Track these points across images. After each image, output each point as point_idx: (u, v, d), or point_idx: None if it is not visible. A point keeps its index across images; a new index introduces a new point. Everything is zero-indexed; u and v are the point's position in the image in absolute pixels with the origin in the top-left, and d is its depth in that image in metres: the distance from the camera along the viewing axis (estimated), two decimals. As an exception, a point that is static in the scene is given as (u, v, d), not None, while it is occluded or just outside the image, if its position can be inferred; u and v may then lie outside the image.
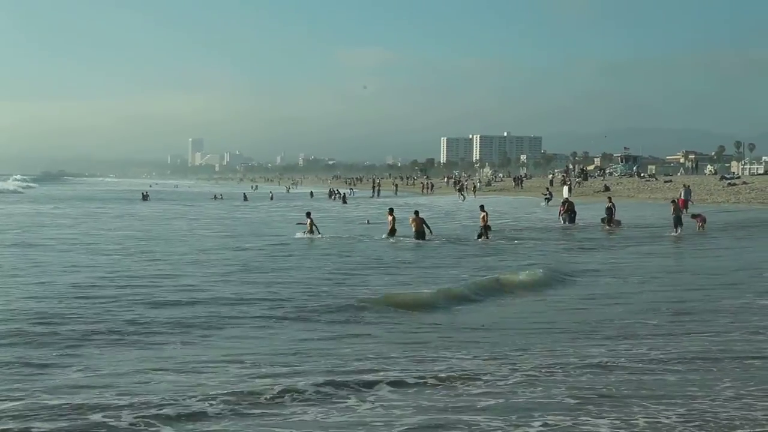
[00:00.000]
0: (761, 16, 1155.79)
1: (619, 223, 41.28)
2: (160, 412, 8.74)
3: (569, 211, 44.22)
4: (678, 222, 36.55)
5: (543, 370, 10.70)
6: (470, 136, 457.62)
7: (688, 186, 60.63)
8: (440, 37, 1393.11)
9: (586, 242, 34.33)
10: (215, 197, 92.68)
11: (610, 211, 41.58)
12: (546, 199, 63.63)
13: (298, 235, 35.01)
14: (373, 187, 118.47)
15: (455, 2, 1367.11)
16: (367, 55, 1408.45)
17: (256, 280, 21.34)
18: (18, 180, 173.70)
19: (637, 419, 8.40)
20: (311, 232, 34.98)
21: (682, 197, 50.35)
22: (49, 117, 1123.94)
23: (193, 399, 9.22)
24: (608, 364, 11.16)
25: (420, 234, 33.53)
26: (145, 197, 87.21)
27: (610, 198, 44.02)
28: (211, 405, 9.03)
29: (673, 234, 35.87)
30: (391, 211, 36.73)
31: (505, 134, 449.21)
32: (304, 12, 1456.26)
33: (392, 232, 34.76)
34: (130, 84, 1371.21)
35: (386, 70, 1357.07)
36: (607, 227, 40.42)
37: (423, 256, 28.07)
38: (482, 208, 36.31)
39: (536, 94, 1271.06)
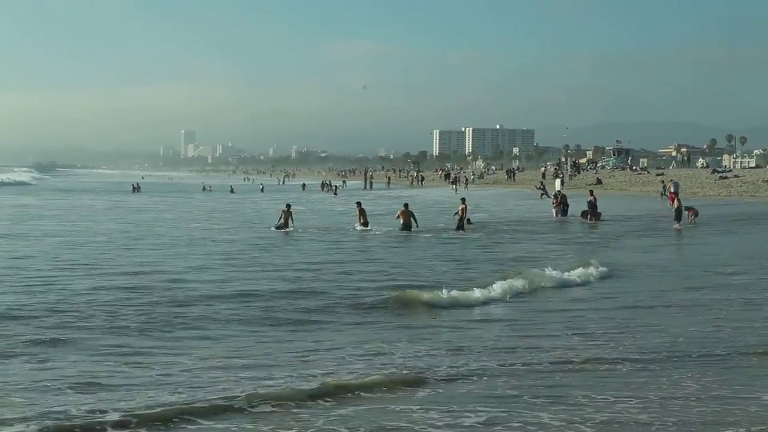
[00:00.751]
0: (751, 11, 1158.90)
1: (599, 215, 41.41)
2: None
3: (561, 203, 44.41)
4: (679, 215, 37.03)
5: None
6: (462, 129, 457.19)
7: (676, 180, 61.23)
8: (432, 30, 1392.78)
9: (581, 235, 34.82)
10: (204, 189, 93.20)
11: (592, 204, 41.68)
12: (541, 194, 63.48)
13: (273, 228, 35.08)
14: (365, 179, 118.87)
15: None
16: (358, 47, 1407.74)
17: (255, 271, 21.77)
18: (25, 171, 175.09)
19: None
20: (286, 225, 34.91)
21: (672, 191, 51.20)
22: (40, 108, 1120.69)
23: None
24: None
25: (407, 226, 34.32)
26: (135, 189, 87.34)
27: (591, 192, 44.12)
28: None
29: (675, 227, 36.33)
30: (359, 204, 37.54)
31: (498, 127, 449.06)
32: (295, 3, 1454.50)
33: (365, 224, 35.53)
34: (121, 75, 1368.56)
35: (378, 63, 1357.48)
36: (589, 221, 40.62)
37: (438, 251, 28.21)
38: (463, 200, 37.00)
39: (528, 87, 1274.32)
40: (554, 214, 44.04)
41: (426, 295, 16.70)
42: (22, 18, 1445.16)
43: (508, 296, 17.52)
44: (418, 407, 9.25)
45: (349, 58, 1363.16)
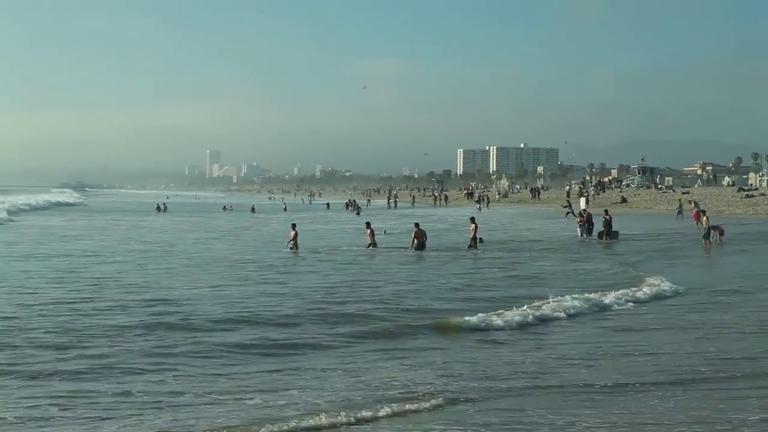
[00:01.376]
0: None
1: (616, 235, 41.32)
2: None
3: (587, 222, 44.12)
4: (709, 234, 37.29)
5: None
6: (487, 148, 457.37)
7: (696, 201, 62.04)
8: (456, 49, 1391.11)
9: (612, 254, 34.92)
10: (224, 209, 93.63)
11: (607, 223, 41.50)
12: (567, 213, 63.44)
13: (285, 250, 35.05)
14: (389, 198, 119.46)
15: (471, 14, 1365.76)
16: (383, 66, 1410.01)
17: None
18: (65, 192, 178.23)
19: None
20: (295, 245, 34.91)
21: (696, 210, 52.57)
22: (67, 128, 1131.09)
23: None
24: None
25: (421, 245, 34.68)
26: (161, 209, 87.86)
27: (606, 211, 44.03)
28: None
29: (704, 244, 36.69)
30: (368, 224, 37.94)
31: (522, 146, 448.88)
32: (321, 24, 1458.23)
33: (373, 244, 35.86)
34: (149, 95, 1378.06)
35: (403, 82, 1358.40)
36: (605, 240, 40.44)
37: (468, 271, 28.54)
38: (472, 220, 37.56)
39: (552, 105, 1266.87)
40: (579, 233, 43.84)
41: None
42: (49, 37, 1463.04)
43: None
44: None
45: (373, 78, 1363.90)
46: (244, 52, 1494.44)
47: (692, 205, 59.25)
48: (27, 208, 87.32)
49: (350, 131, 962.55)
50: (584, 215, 45.71)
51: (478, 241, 36.16)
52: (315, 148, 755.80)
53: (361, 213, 79.68)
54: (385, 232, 46.21)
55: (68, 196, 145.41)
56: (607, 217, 42.29)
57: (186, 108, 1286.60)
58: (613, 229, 41.55)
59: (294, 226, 36.47)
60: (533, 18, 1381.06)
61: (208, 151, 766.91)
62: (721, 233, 38.70)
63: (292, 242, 35.09)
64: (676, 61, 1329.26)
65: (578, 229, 44.50)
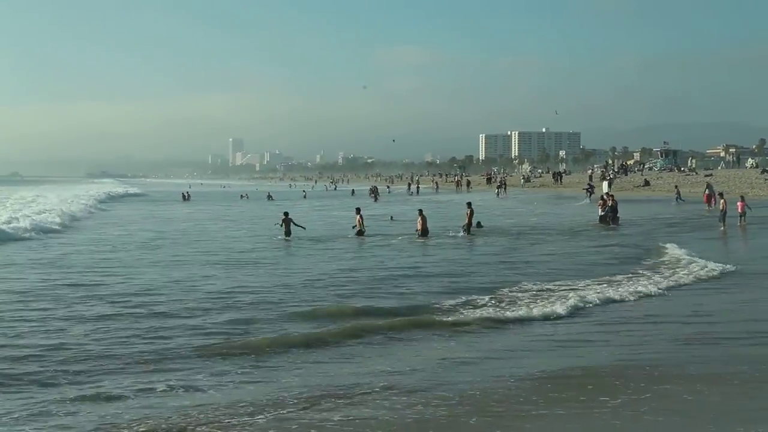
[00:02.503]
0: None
1: (618, 220, 40.62)
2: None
3: (613, 209, 41.40)
4: (724, 217, 36.76)
5: None
6: (509, 133, 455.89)
7: (710, 183, 61.50)
8: (478, 35, 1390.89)
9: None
10: (241, 197, 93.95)
11: (613, 209, 40.92)
12: (588, 194, 62.66)
13: (280, 237, 34.79)
14: (409, 184, 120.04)
15: (492, 1, 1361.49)
16: (405, 53, 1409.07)
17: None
18: (105, 181, 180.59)
19: None
20: (287, 233, 34.67)
21: (707, 193, 53.17)
22: (91, 120, 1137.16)
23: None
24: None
25: (424, 232, 34.77)
26: (185, 198, 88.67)
27: (612, 197, 43.67)
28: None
29: (721, 228, 36.14)
30: (358, 210, 37.59)
31: (544, 130, 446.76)
32: (344, 12, 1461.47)
33: (360, 232, 35.61)
34: (173, 86, 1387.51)
35: (425, 69, 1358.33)
36: (610, 225, 39.62)
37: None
38: (468, 205, 37.49)
39: (575, 90, 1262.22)
40: (600, 213, 41.82)
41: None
42: (75, 29, 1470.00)
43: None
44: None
45: (397, 65, 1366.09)
46: (268, 42, 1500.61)
47: (705, 188, 58.01)
48: (105, 198, 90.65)
49: (373, 118, 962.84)
50: (605, 199, 43.50)
51: (475, 225, 36.54)
52: (337, 135, 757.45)
53: (378, 199, 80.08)
54: (391, 218, 46.19)
55: (115, 185, 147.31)
56: (613, 203, 41.67)
57: (209, 98, 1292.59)
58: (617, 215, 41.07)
59: (286, 214, 35.80)
60: (555, 4, 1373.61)
61: (230, 139, 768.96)
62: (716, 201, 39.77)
63: (284, 230, 34.88)
64: (699, 44, 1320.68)
65: (600, 212, 42.40)
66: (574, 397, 10.12)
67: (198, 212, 61.12)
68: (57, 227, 40.62)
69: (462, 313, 16.23)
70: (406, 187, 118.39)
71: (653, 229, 37.31)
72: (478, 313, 16.24)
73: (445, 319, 15.58)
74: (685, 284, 20.22)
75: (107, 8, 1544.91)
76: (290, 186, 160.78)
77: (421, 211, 36.44)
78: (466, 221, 36.25)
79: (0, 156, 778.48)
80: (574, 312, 16.53)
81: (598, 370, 11.40)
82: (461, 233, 35.51)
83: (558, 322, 15.62)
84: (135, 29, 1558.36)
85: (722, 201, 38.30)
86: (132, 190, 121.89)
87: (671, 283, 20.12)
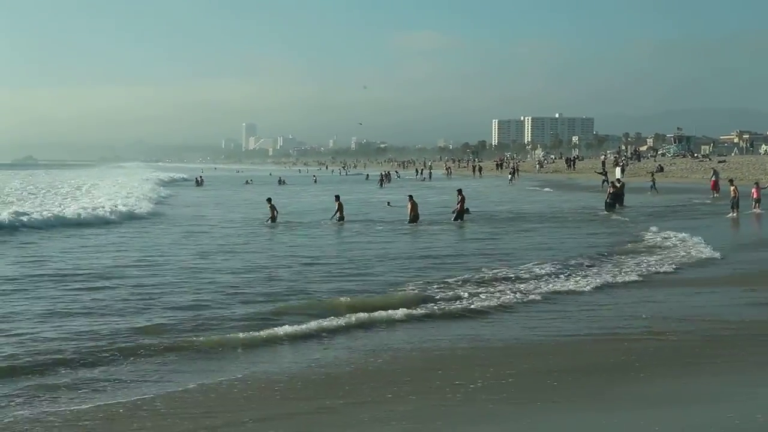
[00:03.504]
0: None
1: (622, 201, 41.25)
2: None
3: (616, 195, 41.42)
4: (736, 204, 35.55)
5: None
6: (522, 118, 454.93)
7: (716, 170, 60.59)
8: (492, 20, 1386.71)
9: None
10: (246, 182, 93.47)
11: (616, 195, 40.75)
12: (603, 180, 58.30)
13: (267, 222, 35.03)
14: (417, 169, 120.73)
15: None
16: (419, 38, 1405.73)
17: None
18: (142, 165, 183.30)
19: None
20: (273, 219, 34.87)
21: (713, 179, 52.16)
22: (106, 105, 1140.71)
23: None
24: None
25: (414, 218, 34.55)
26: (198, 182, 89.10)
27: (614, 183, 43.40)
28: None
29: (731, 215, 35.13)
30: (337, 197, 37.01)
31: (557, 116, 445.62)
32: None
33: (341, 218, 35.42)
34: (187, 70, 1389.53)
35: (438, 54, 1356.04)
36: (615, 210, 39.30)
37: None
38: (459, 192, 36.96)
39: (588, 75, 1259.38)
40: (607, 200, 41.41)
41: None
42: (90, 12, 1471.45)
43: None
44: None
45: (412, 50, 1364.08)
46: (282, 27, 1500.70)
47: (711, 174, 56.73)
48: (168, 182, 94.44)
49: (386, 103, 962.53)
50: (617, 185, 43.25)
51: (465, 212, 36.16)
52: (350, 120, 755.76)
53: (384, 185, 79.24)
54: (388, 203, 45.42)
55: (151, 170, 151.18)
56: (611, 190, 41.61)
57: (223, 82, 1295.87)
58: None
59: (270, 200, 36.46)
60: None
61: (244, 124, 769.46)
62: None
63: (270, 216, 35.15)
64: (713, 29, 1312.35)
65: (607, 199, 41.86)
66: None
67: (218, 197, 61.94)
68: (145, 214, 40.36)
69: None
70: (414, 172, 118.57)
71: (650, 216, 36.47)
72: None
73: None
74: (632, 281, 18.30)
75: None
76: (299, 171, 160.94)
77: (411, 197, 36.19)
78: (458, 207, 35.78)
79: (14, 140, 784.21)
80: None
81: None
82: (455, 220, 35.26)
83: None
84: (149, 14, 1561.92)
85: (732, 188, 36.63)
86: (177, 175, 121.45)
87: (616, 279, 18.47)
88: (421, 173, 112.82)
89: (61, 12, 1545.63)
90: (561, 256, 22.33)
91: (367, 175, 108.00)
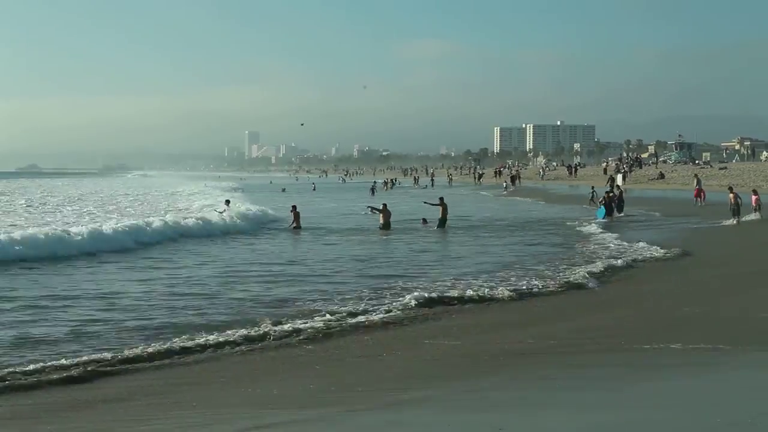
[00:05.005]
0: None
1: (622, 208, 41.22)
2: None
3: (608, 206, 40.38)
4: (737, 211, 34.88)
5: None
6: (523, 126, 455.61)
7: (699, 177, 59.70)
8: (496, 28, 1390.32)
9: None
10: (283, 190, 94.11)
11: (608, 206, 40.15)
12: (592, 194, 50.63)
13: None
14: (415, 178, 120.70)
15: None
16: (423, 46, 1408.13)
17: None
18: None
19: None
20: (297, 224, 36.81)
21: (696, 187, 51.07)
22: (110, 114, 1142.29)
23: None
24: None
25: (386, 225, 35.80)
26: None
27: (612, 190, 42.81)
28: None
29: (732, 222, 34.39)
30: (294, 207, 38.33)
31: (559, 123, 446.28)
32: (362, 5, 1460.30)
33: (298, 226, 36.49)
34: (189, 78, 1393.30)
35: (442, 62, 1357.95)
36: (611, 218, 39.15)
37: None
38: (441, 200, 37.93)
39: (590, 83, 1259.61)
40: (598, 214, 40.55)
41: None
42: (93, 20, 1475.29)
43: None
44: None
45: (413, 58, 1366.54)
46: (284, 35, 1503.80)
47: (695, 182, 55.30)
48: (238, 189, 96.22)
49: (389, 111, 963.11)
50: (616, 192, 42.85)
51: (422, 222, 37.34)
52: (353, 128, 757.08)
53: (375, 193, 76.29)
54: (372, 209, 43.48)
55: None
56: (612, 193, 41.59)
57: (226, 91, 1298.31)
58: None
59: (227, 202, 41.21)
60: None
61: (246, 132, 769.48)
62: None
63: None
64: (714, 37, 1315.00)
65: (598, 205, 42.05)
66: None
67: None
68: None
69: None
70: (413, 181, 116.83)
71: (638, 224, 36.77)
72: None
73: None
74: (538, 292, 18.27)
75: (123, 0, 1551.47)
76: (297, 179, 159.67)
77: (385, 205, 37.22)
78: (440, 216, 36.56)
79: (19, 149, 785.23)
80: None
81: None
82: (434, 227, 36.12)
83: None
84: (150, 21, 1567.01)
85: (731, 194, 36.00)
86: (231, 184, 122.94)
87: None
88: (417, 181, 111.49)
89: (63, 22, 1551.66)
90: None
91: (375, 182, 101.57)
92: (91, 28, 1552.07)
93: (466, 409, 8.77)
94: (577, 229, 35.20)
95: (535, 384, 9.93)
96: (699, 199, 48.25)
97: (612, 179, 63.76)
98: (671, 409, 8.44)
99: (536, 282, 19.36)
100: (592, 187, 52.84)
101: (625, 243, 27.84)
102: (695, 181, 55.13)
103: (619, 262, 22.81)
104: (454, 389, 9.68)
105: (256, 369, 11.56)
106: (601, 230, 33.45)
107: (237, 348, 12.86)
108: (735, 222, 34.55)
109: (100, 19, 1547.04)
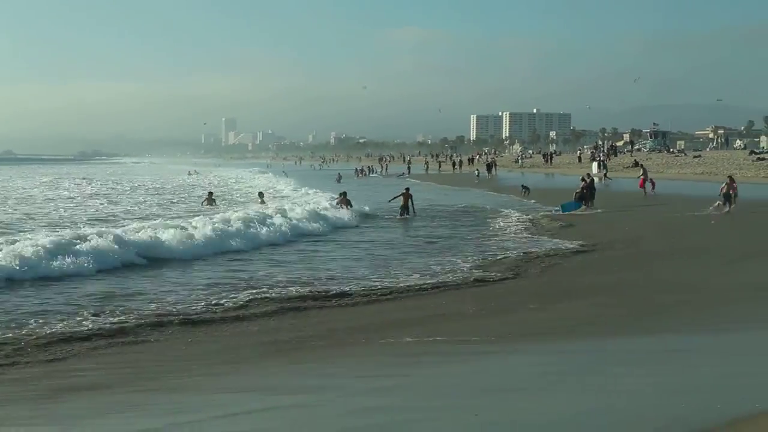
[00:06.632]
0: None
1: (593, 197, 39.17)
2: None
3: (588, 189, 39.23)
4: (728, 199, 33.85)
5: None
6: (500, 113, 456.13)
7: (644, 167, 58.01)
8: (476, 14, 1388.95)
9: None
10: (189, 173, 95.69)
11: (589, 190, 38.96)
12: (524, 190, 50.74)
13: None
14: (382, 166, 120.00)
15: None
16: (402, 33, 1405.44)
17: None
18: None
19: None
20: (210, 204, 39.73)
21: (641, 177, 49.05)
22: (86, 100, 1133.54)
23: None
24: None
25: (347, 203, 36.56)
26: (191, 174, 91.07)
27: (583, 178, 40.88)
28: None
29: (725, 211, 33.08)
30: (260, 194, 39.93)
31: (535, 111, 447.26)
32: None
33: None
34: (165, 65, 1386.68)
35: (421, 49, 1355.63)
36: (586, 205, 38.20)
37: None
38: (407, 190, 37.98)
39: (566, 71, 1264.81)
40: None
41: None
42: (71, 6, 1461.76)
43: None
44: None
45: (392, 46, 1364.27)
46: (262, 22, 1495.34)
47: (640, 172, 52.63)
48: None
49: (366, 99, 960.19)
50: (587, 180, 40.48)
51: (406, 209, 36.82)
52: (331, 115, 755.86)
53: (341, 181, 74.71)
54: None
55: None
56: (587, 183, 39.75)
57: (202, 77, 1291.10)
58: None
59: (210, 194, 42.72)
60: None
61: (223, 119, 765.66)
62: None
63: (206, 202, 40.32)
64: (692, 26, 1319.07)
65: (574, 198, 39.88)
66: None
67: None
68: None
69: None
70: (400, 166, 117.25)
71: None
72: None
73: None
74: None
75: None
76: (269, 166, 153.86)
77: (344, 193, 37.52)
78: (402, 204, 36.69)
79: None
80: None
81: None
82: (398, 216, 36.05)
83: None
84: (128, 8, 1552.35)
85: (724, 185, 34.77)
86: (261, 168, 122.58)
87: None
88: (386, 170, 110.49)
89: (40, 7, 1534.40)
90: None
91: (358, 169, 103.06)
92: (68, 13, 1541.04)
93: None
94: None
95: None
96: (645, 189, 46.78)
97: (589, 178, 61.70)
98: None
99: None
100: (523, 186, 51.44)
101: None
102: (640, 171, 52.97)
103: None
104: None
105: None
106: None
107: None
108: (728, 210, 33.21)
109: (78, 3, 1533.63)
